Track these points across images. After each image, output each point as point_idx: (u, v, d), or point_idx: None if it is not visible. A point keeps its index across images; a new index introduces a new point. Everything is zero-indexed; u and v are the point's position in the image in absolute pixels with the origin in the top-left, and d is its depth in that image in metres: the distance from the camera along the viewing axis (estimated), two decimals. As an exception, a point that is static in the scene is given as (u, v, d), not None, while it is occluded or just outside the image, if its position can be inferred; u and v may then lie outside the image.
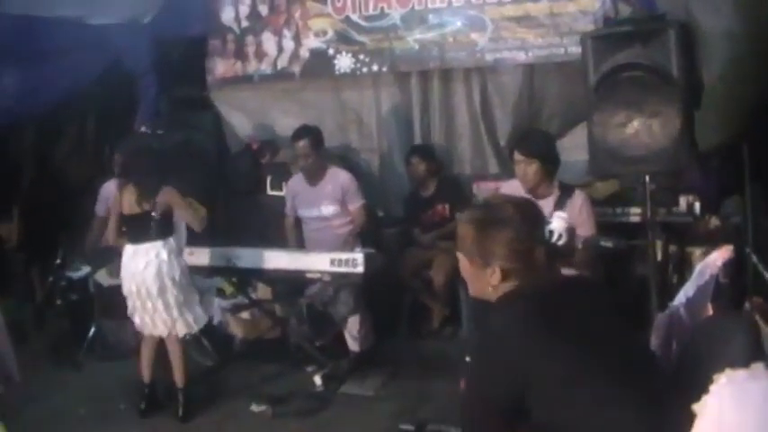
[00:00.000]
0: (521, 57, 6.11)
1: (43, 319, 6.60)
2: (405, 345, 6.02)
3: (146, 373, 5.08)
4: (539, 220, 2.43)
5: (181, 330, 4.98)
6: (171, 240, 4.97)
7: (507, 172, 5.60)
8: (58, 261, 6.21)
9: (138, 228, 4.96)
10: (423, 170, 6.26)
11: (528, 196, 4.66)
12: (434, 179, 6.28)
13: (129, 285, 4.97)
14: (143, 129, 6.80)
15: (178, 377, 5.00)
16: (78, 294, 6.10)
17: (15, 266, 6.93)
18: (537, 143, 4.79)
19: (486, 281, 2.38)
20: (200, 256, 5.39)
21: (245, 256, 5.40)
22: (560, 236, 2.38)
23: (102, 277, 5.99)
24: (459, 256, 2.48)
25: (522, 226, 2.37)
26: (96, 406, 5.19)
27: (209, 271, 5.57)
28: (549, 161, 4.70)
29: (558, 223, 2.38)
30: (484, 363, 2.36)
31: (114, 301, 5.86)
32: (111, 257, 6.11)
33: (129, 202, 4.98)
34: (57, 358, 6.03)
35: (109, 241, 5.29)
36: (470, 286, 2.51)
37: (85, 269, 6.13)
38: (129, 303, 5.03)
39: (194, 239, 5.50)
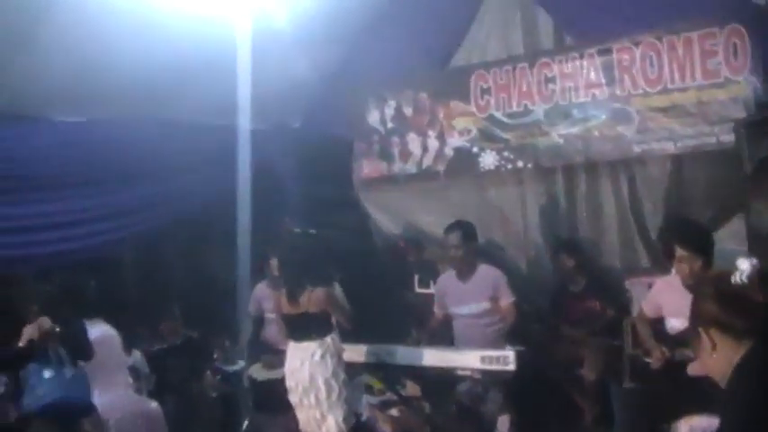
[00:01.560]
0: (669, 147, 5.99)
1: (198, 411, 6.75)
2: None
3: None
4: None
5: (332, 427, 4.99)
6: (327, 339, 5.03)
7: (658, 266, 5.44)
8: (215, 356, 6.38)
9: (295, 326, 5.10)
10: (571, 265, 6.16)
11: (685, 291, 4.51)
12: (583, 274, 6.15)
13: (289, 381, 5.09)
14: (296, 229, 6.98)
15: None
16: (232, 388, 6.22)
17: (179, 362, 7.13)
18: (701, 238, 4.61)
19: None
20: (351, 353, 5.43)
21: (396, 353, 5.43)
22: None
23: (257, 371, 6.11)
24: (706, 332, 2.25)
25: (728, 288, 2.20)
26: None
27: (359, 367, 5.59)
28: (711, 252, 4.53)
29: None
30: None
31: (268, 395, 6.00)
32: (265, 353, 6.28)
33: (284, 302, 5.14)
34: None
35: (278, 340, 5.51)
36: (711, 367, 2.26)
37: (240, 363, 6.27)
38: (292, 399, 5.11)
39: (344, 337, 5.56)
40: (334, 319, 5.23)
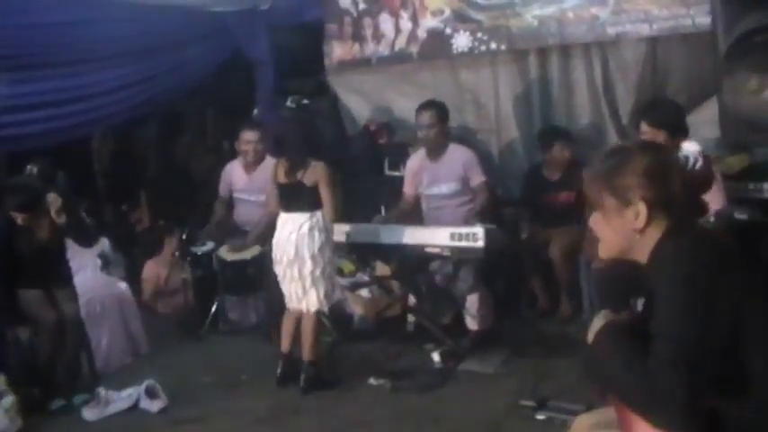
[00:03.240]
0: (644, 30, 5.89)
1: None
2: (524, 325, 5.94)
3: (285, 343, 5.10)
4: (668, 150, 2.24)
5: (312, 306, 5.01)
6: (318, 214, 5.00)
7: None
8: (183, 237, 6.38)
9: (289, 197, 5.08)
10: (567, 157, 6.09)
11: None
12: (568, 165, 6.10)
13: (276, 252, 5.08)
14: (289, 103, 6.94)
15: (306, 350, 5.03)
16: (202, 270, 6.24)
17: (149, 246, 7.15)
18: (665, 113, 4.58)
19: (629, 227, 2.14)
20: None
21: (364, 232, 5.44)
22: (696, 160, 2.21)
23: (225, 253, 6.12)
24: (592, 217, 2.25)
25: (653, 154, 2.20)
26: (220, 376, 5.31)
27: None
28: (679, 132, 4.52)
29: (691, 147, 2.21)
30: (688, 303, 2.01)
31: (236, 276, 6.04)
32: (233, 234, 6.29)
33: (282, 172, 5.10)
34: (181, 332, 6.20)
35: (270, 208, 5.51)
36: (609, 246, 2.24)
37: (210, 245, 6.28)
38: (278, 271, 5.11)
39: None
40: None
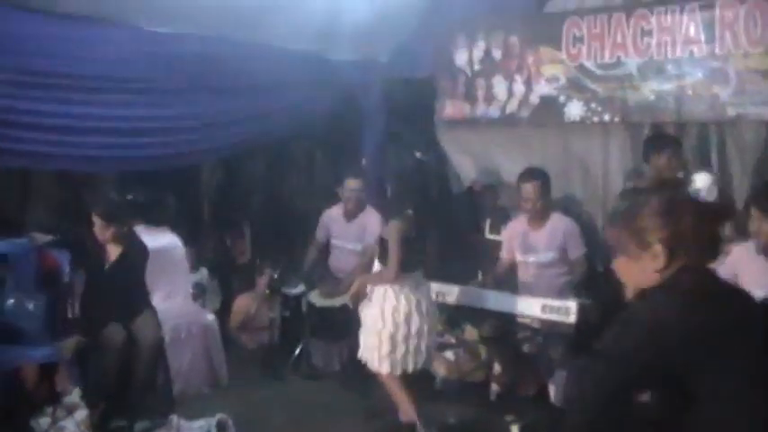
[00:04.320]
0: (766, 113, 5.70)
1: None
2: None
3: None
4: (681, 185, 2.29)
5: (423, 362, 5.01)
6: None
7: (741, 235, 5.21)
8: (276, 276, 6.43)
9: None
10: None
11: (761, 256, 4.32)
12: None
13: (391, 315, 4.95)
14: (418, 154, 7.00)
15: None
16: (291, 311, 6.28)
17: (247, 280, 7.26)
18: None
19: (650, 269, 2.15)
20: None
21: (457, 293, 5.37)
22: (709, 193, 2.13)
23: (316, 297, 6.14)
24: (616, 261, 2.28)
25: (667, 192, 2.19)
26: (292, 417, 5.32)
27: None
28: None
29: (702, 180, 2.13)
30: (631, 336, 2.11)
31: (323, 322, 6.04)
32: (326, 279, 6.30)
33: (407, 227, 4.94)
34: (264, 369, 6.22)
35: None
36: (635, 290, 2.24)
37: (301, 287, 6.31)
38: (387, 332, 4.94)
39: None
40: None
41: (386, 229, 4.99)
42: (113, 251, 5.15)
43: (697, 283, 2.13)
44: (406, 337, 4.86)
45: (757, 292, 4.34)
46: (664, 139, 5.89)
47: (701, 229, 2.13)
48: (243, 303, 6.81)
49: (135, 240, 5.22)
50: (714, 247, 2.20)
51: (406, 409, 4.94)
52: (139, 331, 5.05)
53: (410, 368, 4.91)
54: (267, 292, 6.55)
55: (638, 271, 2.19)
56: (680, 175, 5.54)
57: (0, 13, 4.88)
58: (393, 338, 4.84)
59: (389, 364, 4.86)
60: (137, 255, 5.18)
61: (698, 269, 2.15)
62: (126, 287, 5.14)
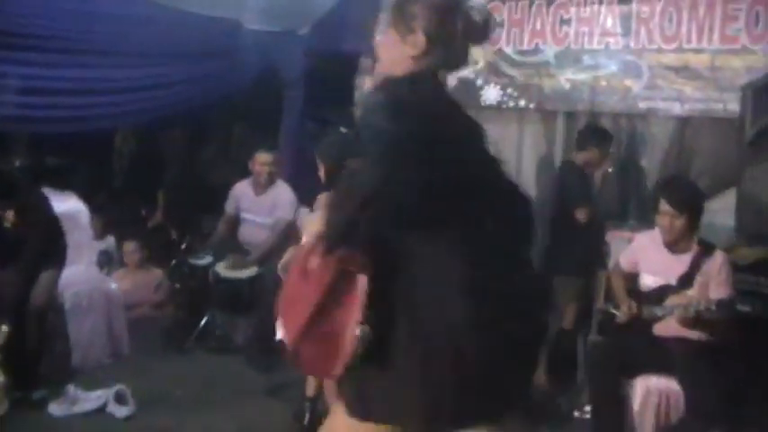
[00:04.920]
0: (676, 108, 5.86)
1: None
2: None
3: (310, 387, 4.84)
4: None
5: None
6: None
7: (646, 223, 5.34)
8: (184, 246, 6.32)
9: None
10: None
11: (665, 249, 4.44)
12: None
13: None
14: (342, 129, 6.88)
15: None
16: (197, 282, 6.17)
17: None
18: (688, 194, 4.52)
19: (406, 54, 2.33)
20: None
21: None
22: None
23: (222, 268, 6.04)
24: (378, 38, 2.46)
25: None
26: (193, 391, 5.21)
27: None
28: (697, 215, 4.44)
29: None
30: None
31: (229, 294, 5.95)
32: (233, 251, 6.22)
33: None
34: (166, 340, 6.11)
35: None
36: (383, 66, 2.43)
37: (208, 258, 6.21)
38: None
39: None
40: None
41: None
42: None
43: (437, 87, 2.33)
44: None
45: (649, 280, 4.50)
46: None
47: (460, 35, 2.33)
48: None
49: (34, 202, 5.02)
50: (465, 57, 2.41)
51: (311, 383, 4.91)
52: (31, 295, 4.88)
53: None
54: (174, 263, 6.42)
55: (397, 54, 2.35)
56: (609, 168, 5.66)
57: None
58: None
59: None
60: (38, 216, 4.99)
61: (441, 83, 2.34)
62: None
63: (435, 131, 2.14)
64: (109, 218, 7.04)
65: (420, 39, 2.29)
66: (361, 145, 2.15)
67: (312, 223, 2.33)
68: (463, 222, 2.12)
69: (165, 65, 6.48)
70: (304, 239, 2.28)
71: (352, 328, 2.03)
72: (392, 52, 2.38)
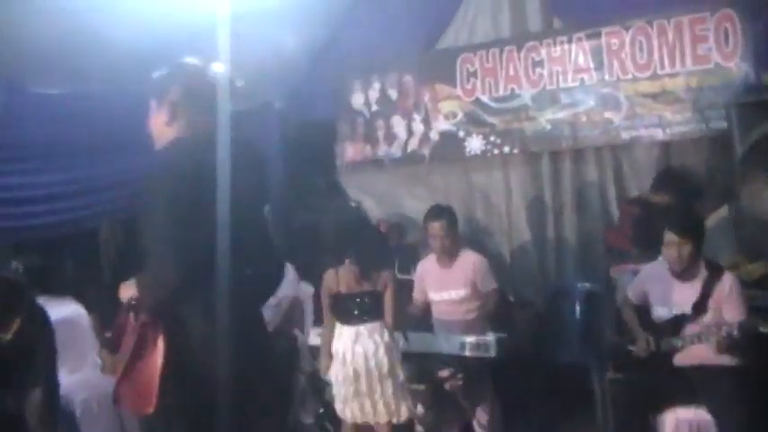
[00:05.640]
0: (658, 134, 5.88)
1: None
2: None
3: None
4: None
5: (404, 414, 4.76)
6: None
7: (646, 253, 5.32)
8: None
9: (360, 306, 4.74)
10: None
11: (674, 278, 4.42)
12: None
13: (348, 370, 4.69)
14: (353, 203, 6.86)
15: None
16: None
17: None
18: (691, 221, 4.51)
19: (160, 123, 2.93)
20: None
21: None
22: None
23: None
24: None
25: None
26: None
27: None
28: (701, 239, 4.43)
29: None
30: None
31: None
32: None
33: (347, 280, 4.79)
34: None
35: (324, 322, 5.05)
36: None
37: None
38: (342, 390, 4.75)
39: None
40: None
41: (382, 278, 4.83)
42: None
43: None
44: (356, 388, 4.69)
45: (662, 311, 4.46)
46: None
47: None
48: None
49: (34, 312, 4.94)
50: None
51: None
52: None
53: (368, 420, 4.74)
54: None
55: (159, 126, 2.93)
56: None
57: None
58: (346, 388, 4.71)
59: (346, 413, 4.77)
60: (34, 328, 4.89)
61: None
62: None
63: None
64: (104, 315, 6.93)
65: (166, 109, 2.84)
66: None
67: (126, 289, 2.81)
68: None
69: (138, 157, 6.42)
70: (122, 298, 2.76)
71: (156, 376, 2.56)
72: (158, 127, 2.95)
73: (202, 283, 2.50)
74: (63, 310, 5.37)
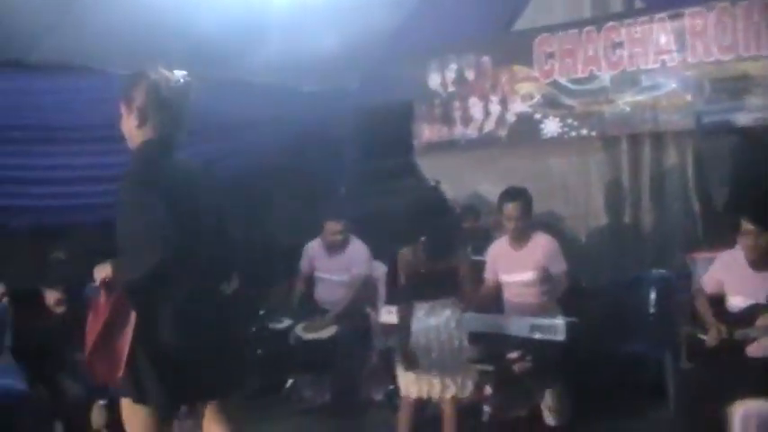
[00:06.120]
0: (740, 119, 5.73)
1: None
2: (606, 423, 5.63)
3: None
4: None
5: (469, 389, 4.83)
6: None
7: (720, 240, 5.21)
8: (262, 312, 6.37)
9: (437, 283, 4.80)
10: None
11: (750, 268, 4.32)
12: None
13: (424, 341, 4.75)
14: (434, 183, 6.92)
15: None
16: (278, 346, 6.20)
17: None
18: None
19: (131, 126, 3.15)
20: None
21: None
22: None
23: (303, 331, 6.08)
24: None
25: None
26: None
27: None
28: None
29: None
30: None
31: (311, 355, 5.97)
32: (311, 311, 6.26)
33: (422, 259, 4.83)
34: (253, 407, 6.12)
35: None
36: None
37: (287, 322, 6.25)
38: (417, 361, 4.75)
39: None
40: None
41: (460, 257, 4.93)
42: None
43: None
44: (428, 362, 4.72)
45: (737, 301, 4.37)
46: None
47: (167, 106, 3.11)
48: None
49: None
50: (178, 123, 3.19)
51: None
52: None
53: (434, 394, 4.75)
54: (254, 329, 6.48)
55: (129, 128, 3.17)
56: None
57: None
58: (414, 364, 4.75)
59: (412, 389, 4.78)
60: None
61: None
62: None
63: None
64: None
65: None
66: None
67: (101, 270, 3.00)
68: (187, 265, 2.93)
69: (216, 138, 6.57)
70: (96, 278, 3.03)
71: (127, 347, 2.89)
72: (127, 130, 3.18)
73: (171, 266, 2.85)
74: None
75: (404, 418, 4.86)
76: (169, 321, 2.95)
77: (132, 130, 3.16)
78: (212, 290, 3.18)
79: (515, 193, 5.58)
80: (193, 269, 2.99)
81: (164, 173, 3.06)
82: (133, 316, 2.89)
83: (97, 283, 3.00)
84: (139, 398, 2.97)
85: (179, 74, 3.20)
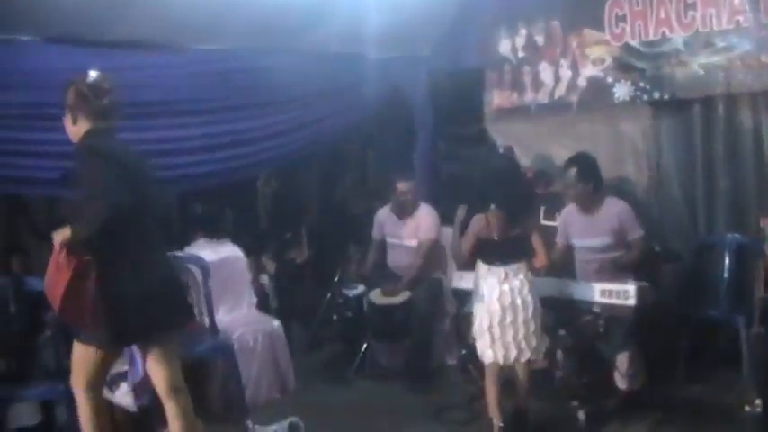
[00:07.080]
0: (820, 81, 5.59)
1: (321, 333, 6.99)
2: (678, 388, 5.62)
3: (497, 410, 4.96)
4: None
5: (542, 352, 4.99)
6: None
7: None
8: (336, 279, 6.51)
9: (510, 248, 4.92)
10: None
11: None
12: None
13: (495, 307, 4.85)
14: (501, 149, 6.97)
15: (525, 402, 5.04)
16: (352, 312, 6.35)
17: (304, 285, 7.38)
18: None
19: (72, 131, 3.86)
20: (470, 281, 5.34)
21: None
22: None
23: (377, 296, 6.20)
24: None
25: None
26: (358, 419, 5.41)
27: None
28: None
29: None
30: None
31: (385, 321, 6.10)
32: (384, 277, 6.37)
33: (495, 224, 4.94)
34: (329, 373, 6.31)
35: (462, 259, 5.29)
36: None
37: (360, 288, 6.38)
38: (486, 329, 4.90)
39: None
40: None
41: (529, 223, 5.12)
42: None
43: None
44: (503, 326, 4.84)
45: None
46: None
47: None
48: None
49: None
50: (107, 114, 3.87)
51: (488, 405, 4.99)
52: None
53: (510, 359, 4.87)
54: (329, 295, 6.64)
55: (70, 128, 3.86)
56: None
57: (43, 48, 5.17)
58: (490, 329, 4.86)
59: (488, 354, 4.90)
60: None
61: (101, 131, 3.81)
62: None
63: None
64: (259, 259, 7.33)
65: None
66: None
67: (60, 234, 3.62)
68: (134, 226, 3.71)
69: (295, 109, 6.71)
70: (56, 242, 3.66)
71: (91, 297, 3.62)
72: (69, 129, 3.86)
73: (123, 218, 3.55)
74: (221, 252, 5.76)
75: (491, 383, 4.97)
76: (125, 271, 3.68)
77: (72, 129, 3.84)
78: (156, 246, 3.92)
79: (572, 160, 5.62)
80: (141, 226, 3.78)
81: (109, 147, 3.75)
82: (93, 271, 3.60)
83: (57, 245, 3.63)
84: (86, 340, 3.78)
85: (93, 74, 3.84)
